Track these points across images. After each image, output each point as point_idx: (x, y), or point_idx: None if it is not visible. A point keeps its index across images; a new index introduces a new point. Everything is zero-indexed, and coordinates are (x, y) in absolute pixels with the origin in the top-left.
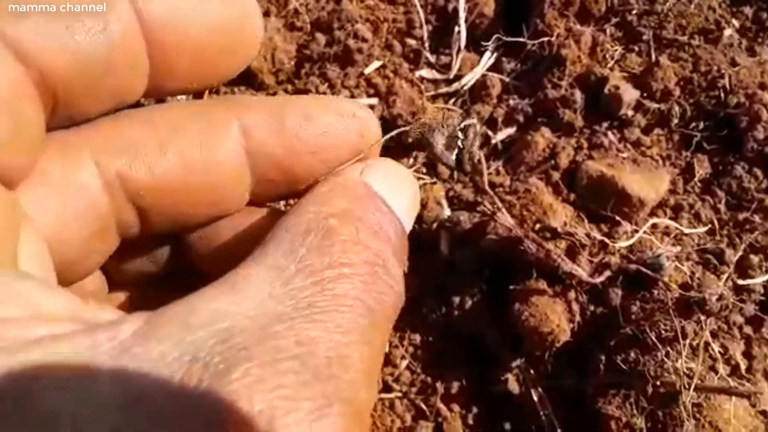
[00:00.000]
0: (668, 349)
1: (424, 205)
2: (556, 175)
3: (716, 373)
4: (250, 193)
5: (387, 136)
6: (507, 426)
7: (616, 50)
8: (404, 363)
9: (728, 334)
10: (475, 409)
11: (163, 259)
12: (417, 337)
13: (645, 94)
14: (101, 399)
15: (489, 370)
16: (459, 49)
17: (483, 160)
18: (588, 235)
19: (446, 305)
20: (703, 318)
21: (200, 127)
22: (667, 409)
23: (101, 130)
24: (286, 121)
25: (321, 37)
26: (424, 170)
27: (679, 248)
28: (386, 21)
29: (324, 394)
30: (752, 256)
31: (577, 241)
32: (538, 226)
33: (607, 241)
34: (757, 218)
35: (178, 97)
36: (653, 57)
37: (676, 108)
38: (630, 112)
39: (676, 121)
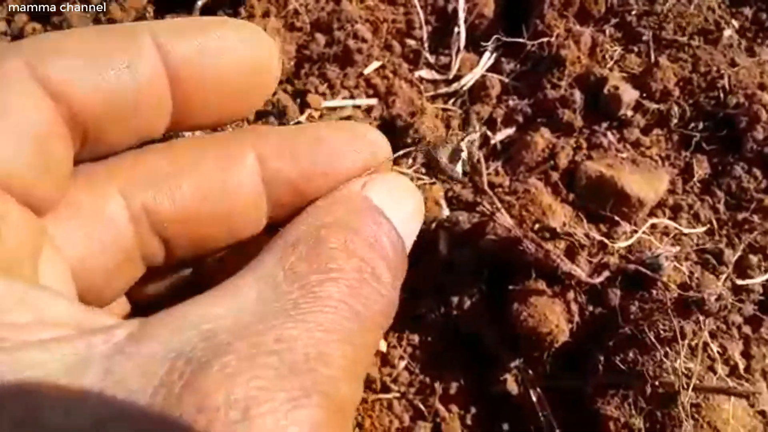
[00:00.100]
0: (667, 349)
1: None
2: (555, 176)
3: (715, 373)
4: (267, 218)
5: (396, 155)
6: (506, 426)
7: (615, 51)
8: (402, 363)
9: (727, 334)
10: (473, 410)
11: (184, 282)
12: (415, 337)
13: (644, 95)
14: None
15: (488, 371)
16: (458, 50)
17: (482, 160)
18: (587, 236)
19: (445, 305)
20: (701, 318)
21: (218, 160)
22: (665, 409)
23: (126, 163)
24: (299, 146)
25: (321, 38)
26: (423, 171)
27: (678, 248)
28: (386, 21)
29: (302, 386)
30: (751, 256)
31: (576, 242)
32: (537, 226)
33: (606, 241)
34: (756, 218)
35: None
36: (653, 57)
37: (676, 108)
38: (629, 113)
39: (675, 121)
